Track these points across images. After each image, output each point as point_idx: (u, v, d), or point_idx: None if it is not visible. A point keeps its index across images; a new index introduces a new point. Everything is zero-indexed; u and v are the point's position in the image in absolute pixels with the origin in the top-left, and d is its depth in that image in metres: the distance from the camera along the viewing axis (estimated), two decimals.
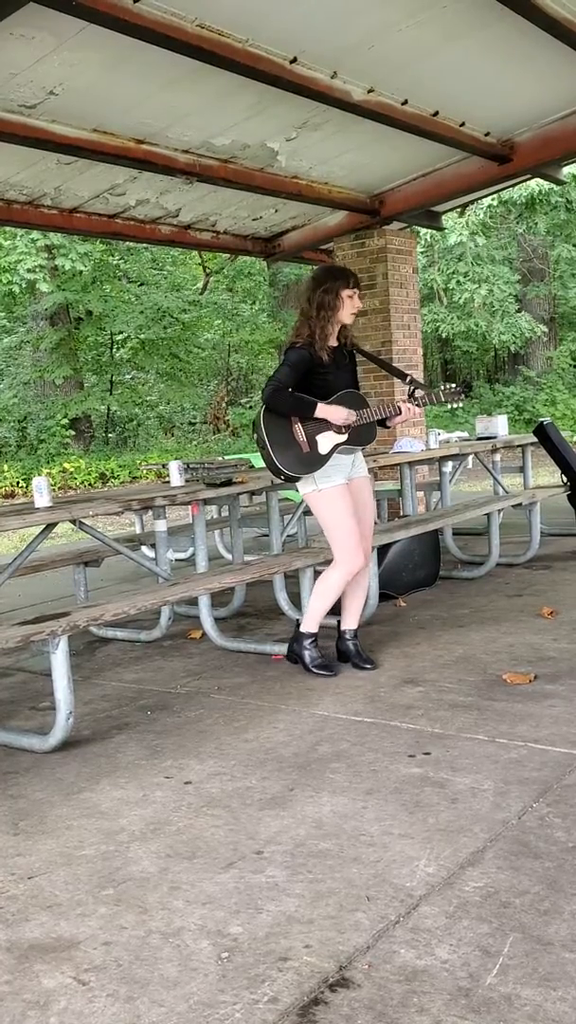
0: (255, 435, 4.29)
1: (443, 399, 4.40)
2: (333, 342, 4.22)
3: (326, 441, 4.17)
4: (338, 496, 4.20)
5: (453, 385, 4.55)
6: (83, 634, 5.43)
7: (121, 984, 2.07)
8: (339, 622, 4.45)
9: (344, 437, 4.19)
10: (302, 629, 4.38)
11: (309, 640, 4.36)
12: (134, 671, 4.74)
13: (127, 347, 20.93)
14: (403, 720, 3.61)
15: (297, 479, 4.23)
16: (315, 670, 4.30)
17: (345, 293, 4.12)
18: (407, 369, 8.47)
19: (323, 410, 4.12)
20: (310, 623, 4.36)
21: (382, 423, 4.34)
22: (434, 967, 2.04)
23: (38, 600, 6.57)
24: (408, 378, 4.42)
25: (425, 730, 3.48)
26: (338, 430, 4.17)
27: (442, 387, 4.47)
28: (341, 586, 4.29)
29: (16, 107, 5.25)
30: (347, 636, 4.41)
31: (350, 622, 4.42)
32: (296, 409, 4.15)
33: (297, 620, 4.48)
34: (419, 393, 4.37)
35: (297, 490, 4.39)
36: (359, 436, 4.24)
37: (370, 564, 4.41)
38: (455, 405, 4.47)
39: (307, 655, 4.35)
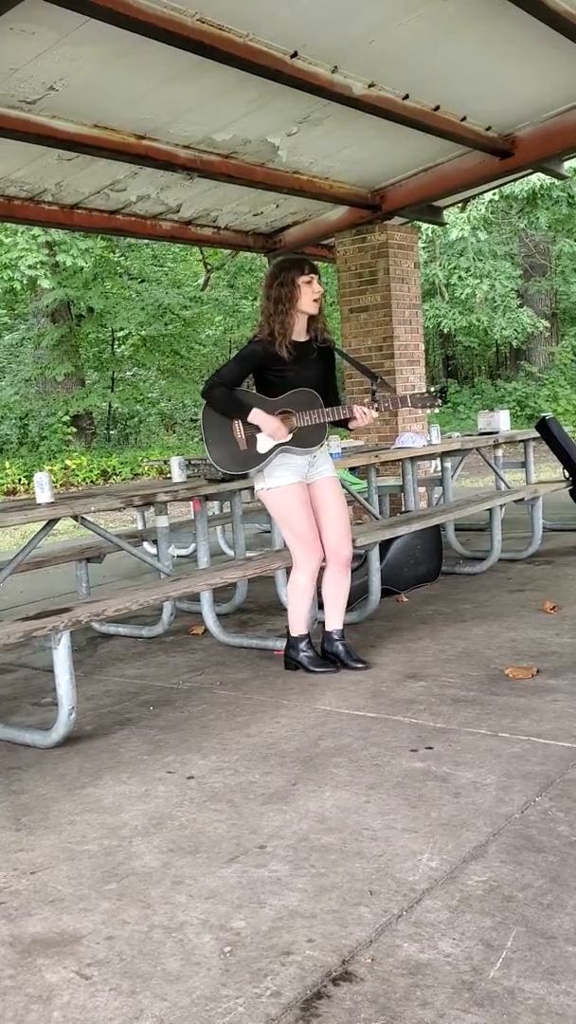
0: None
1: (412, 404, 4.24)
2: (299, 336, 4.11)
3: (266, 441, 4.07)
4: (286, 496, 4.11)
5: (432, 389, 4.34)
6: (85, 630, 5.43)
7: (124, 978, 2.07)
8: (323, 624, 4.37)
9: (286, 439, 4.07)
10: (292, 634, 4.34)
11: (302, 643, 4.33)
12: (136, 667, 4.74)
13: (128, 344, 20.95)
14: (405, 715, 3.61)
15: (233, 477, 4.16)
16: (315, 670, 4.27)
17: (301, 280, 4.00)
18: (409, 365, 8.51)
19: (257, 417, 4.02)
20: (296, 627, 4.32)
21: (343, 424, 4.22)
22: (437, 961, 2.04)
23: (40, 596, 6.57)
24: (378, 380, 4.29)
25: (427, 724, 3.48)
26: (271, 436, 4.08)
27: (415, 392, 4.30)
28: (309, 585, 4.24)
29: (16, 102, 5.24)
30: (334, 636, 4.31)
31: (334, 622, 4.32)
32: (229, 410, 4.06)
33: (286, 627, 4.43)
34: (380, 394, 4.21)
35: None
36: (304, 438, 4.10)
37: (349, 564, 4.27)
38: (429, 410, 4.22)
39: (303, 658, 4.31)
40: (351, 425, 4.22)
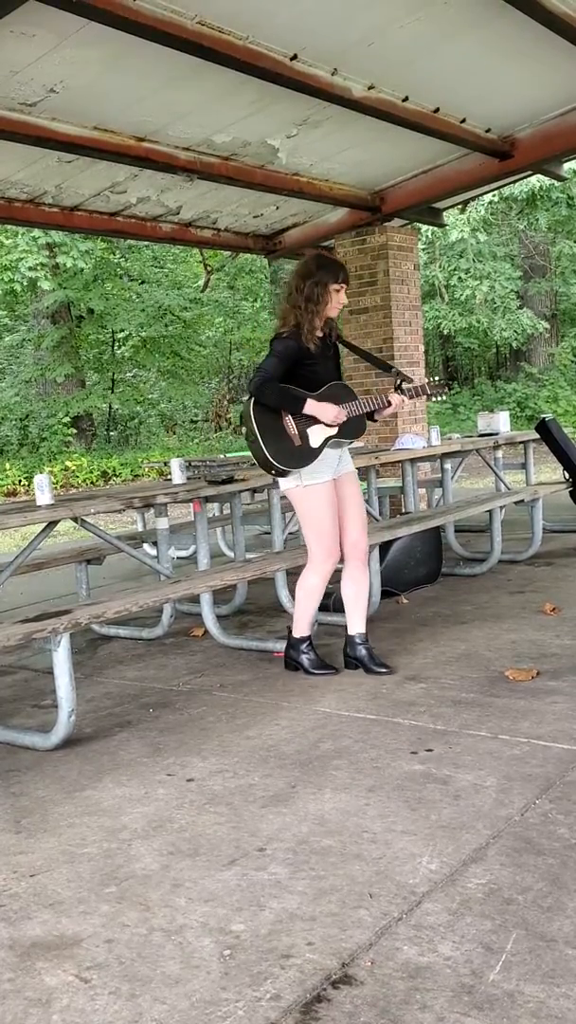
0: (244, 428, 4.23)
1: (430, 392, 4.39)
2: (319, 333, 4.16)
3: (317, 434, 4.09)
4: (321, 494, 4.12)
5: (436, 378, 4.54)
6: (85, 632, 5.43)
7: (123, 982, 2.07)
8: (346, 627, 4.34)
9: (335, 430, 4.12)
10: (294, 635, 4.33)
11: (304, 644, 4.32)
12: (136, 669, 4.74)
13: (128, 345, 20.95)
14: (405, 717, 3.61)
15: (287, 473, 4.13)
16: (315, 672, 4.26)
17: (333, 287, 4.05)
18: (409, 366, 8.50)
19: (312, 407, 4.03)
20: (300, 628, 4.31)
21: (369, 415, 4.27)
22: (437, 964, 2.04)
23: (40, 598, 6.57)
24: (393, 370, 4.38)
25: (427, 727, 3.48)
26: (329, 423, 4.12)
27: (429, 381, 4.49)
28: (321, 587, 4.24)
29: (17, 105, 5.24)
30: (357, 640, 4.27)
31: (357, 626, 4.28)
32: (284, 404, 4.06)
33: (288, 627, 4.42)
34: (407, 385, 4.33)
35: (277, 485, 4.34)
36: (349, 429, 4.17)
37: (368, 561, 4.32)
38: (439, 398, 4.48)
39: (304, 659, 4.31)
40: (381, 414, 4.29)
